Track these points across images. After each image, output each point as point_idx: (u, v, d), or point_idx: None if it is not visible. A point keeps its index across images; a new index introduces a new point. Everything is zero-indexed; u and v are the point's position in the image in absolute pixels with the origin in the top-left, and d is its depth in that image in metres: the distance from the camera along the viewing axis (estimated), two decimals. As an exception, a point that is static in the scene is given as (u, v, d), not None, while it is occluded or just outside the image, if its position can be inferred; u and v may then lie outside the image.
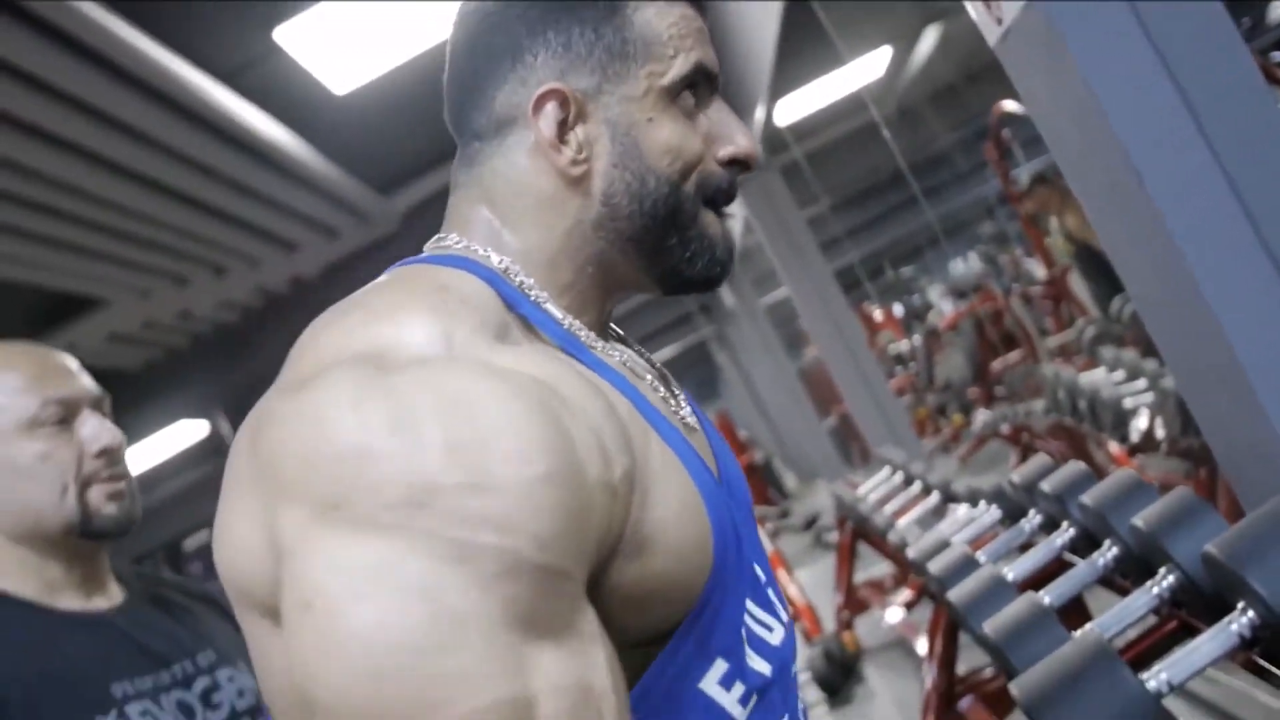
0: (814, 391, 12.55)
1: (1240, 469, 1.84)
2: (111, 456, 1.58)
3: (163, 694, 1.51)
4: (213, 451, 11.13)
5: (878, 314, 14.76)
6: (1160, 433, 3.99)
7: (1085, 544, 1.94)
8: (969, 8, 1.97)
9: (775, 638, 0.97)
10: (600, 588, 0.81)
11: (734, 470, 1.06)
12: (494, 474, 0.72)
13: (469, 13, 1.02)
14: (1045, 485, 2.05)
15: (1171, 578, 1.57)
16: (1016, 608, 1.65)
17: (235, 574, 0.80)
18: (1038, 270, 9.79)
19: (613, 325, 1.10)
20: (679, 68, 0.98)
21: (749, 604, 0.94)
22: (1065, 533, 1.98)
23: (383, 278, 0.95)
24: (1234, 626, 1.37)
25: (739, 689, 0.90)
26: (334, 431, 0.74)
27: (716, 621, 0.89)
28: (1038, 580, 1.92)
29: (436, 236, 1.02)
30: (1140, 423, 4.20)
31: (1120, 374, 4.68)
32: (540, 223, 0.98)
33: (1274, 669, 1.43)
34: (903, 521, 3.53)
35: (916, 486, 3.90)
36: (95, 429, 1.57)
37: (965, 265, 14.50)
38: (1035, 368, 7.91)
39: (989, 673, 3.31)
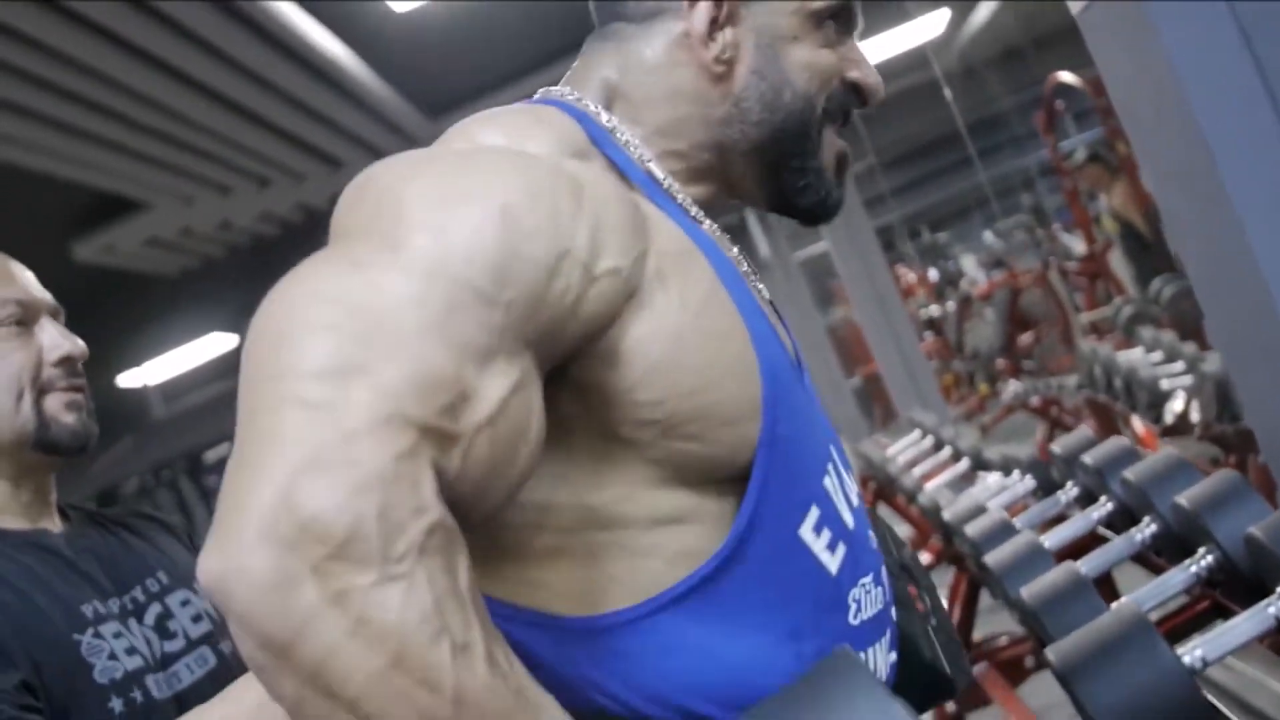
0: (840, 351, 12.53)
1: (1283, 454, 1.84)
2: (72, 366, 1.47)
3: (130, 618, 1.42)
4: (239, 366, 11.15)
5: (911, 276, 14.66)
6: (1195, 416, 3.97)
7: (1121, 519, 1.95)
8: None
9: (855, 497, 1.01)
10: (614, 404, 0.85)
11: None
12: (457, 203, 0.80)
13: None
14: (1086, 458, 2.06)
15: (1211, 557, 1.58)
16: (1055, 575, 1.66)
17: None
18: (1076, 245, 9.71)
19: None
20: None
21: (832, 451, 0.98)
22: (1103, 506, 1.98)
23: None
24: (1271, 609, 1.38)
25: (827, 535, 0.93)
26: (372, 182, 0.85)
27: (793, 462, 0.92)
28: (1071, 552, 1.93)
29: (546, 87, 1.06)
30: (1176, 405, 4.17)
31: (1158, 355, 4.64)
32: (666, 105, 1.01)
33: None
34: (931, 485, 3.52)
35: (946, 451, 3.90)
36: (56, 336, 1.46)
37: (994, 238, 14.36)
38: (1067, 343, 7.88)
39: (1004, 640, 3.33)
